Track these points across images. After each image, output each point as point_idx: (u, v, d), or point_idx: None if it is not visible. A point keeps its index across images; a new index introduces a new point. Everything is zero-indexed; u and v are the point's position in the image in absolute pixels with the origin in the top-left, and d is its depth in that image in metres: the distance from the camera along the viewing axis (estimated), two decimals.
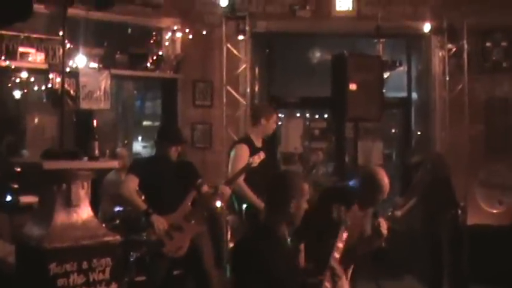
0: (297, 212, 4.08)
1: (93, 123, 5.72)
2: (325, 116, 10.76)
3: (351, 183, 5.52)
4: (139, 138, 13.23)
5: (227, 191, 6.52)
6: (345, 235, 4.28)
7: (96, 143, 5.17)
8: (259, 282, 3.86)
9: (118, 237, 5.19)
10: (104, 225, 6.11)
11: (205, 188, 6.64)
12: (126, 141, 11.49)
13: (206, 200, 6.71)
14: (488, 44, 9.60)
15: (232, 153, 6.95)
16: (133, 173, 6.45)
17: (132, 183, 6.39)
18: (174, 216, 6.37)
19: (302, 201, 4.09)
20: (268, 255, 3.91)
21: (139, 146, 12.90)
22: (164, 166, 6.52)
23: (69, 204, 4.98)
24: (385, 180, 5.27)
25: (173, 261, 6.50)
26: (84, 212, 5.08)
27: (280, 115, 10.34)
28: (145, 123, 13.38)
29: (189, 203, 6.51)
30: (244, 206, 6.83)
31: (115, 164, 6.11)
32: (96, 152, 5.15)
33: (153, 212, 6.25)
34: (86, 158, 5.12)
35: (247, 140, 7.03)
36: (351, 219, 4.71)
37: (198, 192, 6.59)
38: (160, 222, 6.23)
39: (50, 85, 8.17)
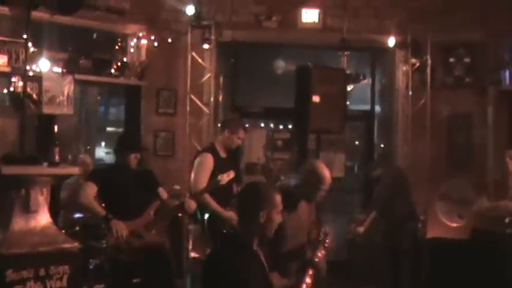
0: (267, 222, 4.06)
1: (54, 128, 5.65)
2: (290, 127, 10.79)
3: (294, 182, 5.63)
4: (103, 144, 13.14)
5: (193, 204, 6.50)
6: (311, 271, 4.30)
7: (57, 149, 5.13)
8: None
9: (76, 244, 5.14)
10: (63, 231, 6.06)
11: (168, 200, 6.65)
12: (88, 147, 11.40)
13: (170, 212, 6.71)
14: (451, 60, 9.70)
15: (197, 162, 6.95)
16: (92, 181, 6.40)
17: (90, 190, 6.33)
18: (134, 224, 6.33)
19: (273, 212, 4.07)
20: (241, 268, 3.90)
21: (102, 152, 12.80)
22: (123, 174, 6.49)
23: (28, 210, 4.93)
24: (326, 171, 5.44)
25: (133, 269, 6.45)
26: (43, 218, 5.03)
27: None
28: (108, 129, 13.29)
29: (152, 213, 6.48)
30: (207, 215, 6.84)
31: (75, 170, 6.04)
32: (57, 157, 5.10)
33: (112, 218, 6.20)
34: (45, 164, 5.06)
35: (212, 149, 7.04)
36: (300, 215, 4.83)
37: (161, 203, 6.56)
38: (120, 227, 6.18)
39: (12, 88, 8.07)
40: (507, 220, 7.07)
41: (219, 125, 7.64)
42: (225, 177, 6.59)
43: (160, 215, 6.54)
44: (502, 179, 7.36)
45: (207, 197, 6.71)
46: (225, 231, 6.78)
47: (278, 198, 4.12)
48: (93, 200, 6.35)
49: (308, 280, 4.27)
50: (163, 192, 6.73)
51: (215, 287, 3.94)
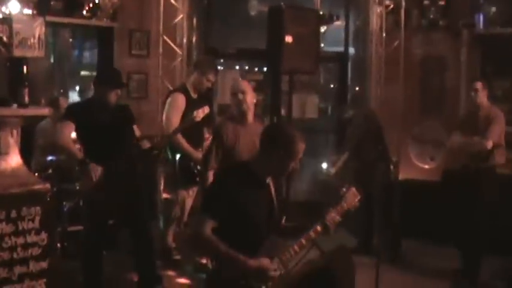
0: (281, 167, 4.14)
1: (23, 70, 5.58)
2: (264, 69, 10.75)
3: None
4: (77, 88, 13.04)
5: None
6: (319, 228, 4.29)
7: (26, 90, 5.11)
8: (228, 213, 3.93)
9: (48, 186, 5.14)
10: (35, 174, 6.04)
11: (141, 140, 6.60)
12: (62, 91, 11.31)
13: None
14: (425, 2, 9.64)
15: (168, 101, 6.98)
16: (69, 119, 6.19)
17: (68, 130, 6.16)
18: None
19: (291, 159, 4.10)
20: (235, 188, 3.99)
21: (76, 96, 12.71)
22: (102, 110, 6.28)
23: None
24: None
25: (109, 212, 6.43)
26: (14, 160, 5.01)
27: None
28: (82, 73, 13.19)
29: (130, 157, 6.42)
30: (178, 156, 6.87)
31: (45, 111, 5.99)
32: (26, 99, 5.07)
33: (89, 161, 6.07)
34: (15, 105, 5.03)
35: (183, 89, 7.05)
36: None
37: (137, 145, 6.52)
38: (97, 171, 6.10)
39: None
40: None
41: (193, 65, 7.61)
42: (200, 113, 6.58)
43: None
44: (471, 113, 7.40)
45: (179, 137, 6.73)
46: (195, 171, 6.85)
47: (301, 147, 4.13)
48: (71, 141, 6.19)
49: (312, 234, 4.27)
50: (137, 130, 6.66)
51: (216, 203, 3.99)
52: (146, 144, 6.55)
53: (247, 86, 6.22)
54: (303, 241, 4.19)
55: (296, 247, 4.16)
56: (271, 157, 4.07)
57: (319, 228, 4.25)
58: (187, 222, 7.36)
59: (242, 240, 3.97)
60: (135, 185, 6.46)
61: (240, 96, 5.99)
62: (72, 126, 6.17)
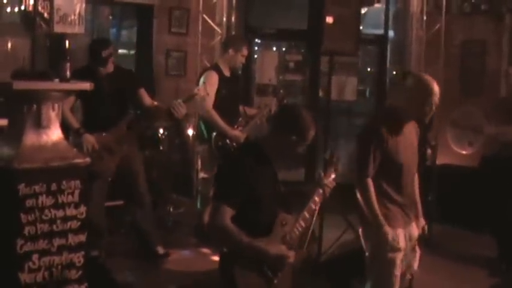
0: (289, 150, 4.13)
1: (65, 45, 5.59)
2: (302, 50, 10.71)
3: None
4: None
5: (183, 109, 6.34)
6: (317, 198, 4.32)
7: (68, 64, 5.10)
8: (237, 192, 3.92)
9: (88, 160, 5.17)
10: (74, 149, 6.07)
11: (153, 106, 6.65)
12: None
13: (156, 117, 6.86)
14: None
15: (202, 80, 7.02)
16: None
17: (68, 99, 6.11)
18: (105, 137, 6.36)
19: (300, 145, 4.11)
20: (251, 170, 3.97)
21: None
22: (100, 75, 6.38)
23: (39, 125, 4.94)
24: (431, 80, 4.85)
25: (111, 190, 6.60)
26: (54, 134, 5.04)
27: (255, 47, 10.30)
28: (120, 51, 13.24)
29: (124, 126, 6.48)
30: (214, 134, 6.91)
31: (86, 86, 5.99)
32: (68, 73, 5.08)
33: (84, 132, 6.21)
34: (57, 80, 5.06)
35: (216, 68, 7.13)
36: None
37: (145, 108, 6.60)
38: (89, 143, 6.21)
39: (23, 7, 8.02)
40: None
41: (222, 45, 7.66)
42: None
43: (133, 128, 6.54)
44: (507, 99, 7.33)
45: (214, 115, 6.79)
46: (232, 149, 6.87)
47: (312, 134, 4.11)
48: (68, 109, 6.23)
49: (313, 206, 4.30)
50: (145, 95, 6.65)
51: (234, 191, 3.96)
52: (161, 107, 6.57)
53: None
54: (306, 215, 4.23)
55: (302, 222, 4.19)
56: (281, 139, 4.08)
57: (317, 198, 4.28)
58: None
59: (255, 221, 3.98)
60: (130, 157, 6.58)
61: (435, 99, 5.13)
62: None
